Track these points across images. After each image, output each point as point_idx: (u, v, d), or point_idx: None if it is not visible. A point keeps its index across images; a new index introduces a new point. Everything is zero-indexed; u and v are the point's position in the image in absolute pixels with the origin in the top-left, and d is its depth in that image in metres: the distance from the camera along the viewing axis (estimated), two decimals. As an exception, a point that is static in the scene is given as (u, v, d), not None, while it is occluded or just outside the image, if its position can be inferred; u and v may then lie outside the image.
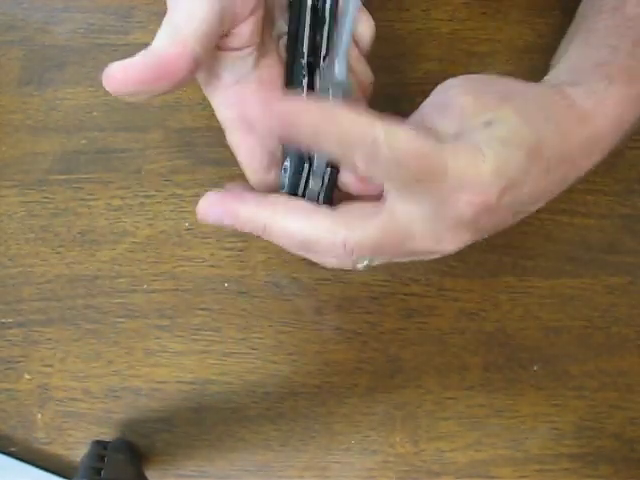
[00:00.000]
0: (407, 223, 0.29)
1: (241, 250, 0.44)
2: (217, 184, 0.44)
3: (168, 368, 0.43)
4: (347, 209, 0.30)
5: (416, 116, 0.31)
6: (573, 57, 0.35)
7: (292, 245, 0.31)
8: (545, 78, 0.34)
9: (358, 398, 0.42)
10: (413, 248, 0.30)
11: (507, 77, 0.32)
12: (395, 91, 0.44)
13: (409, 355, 0.43)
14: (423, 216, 0.29)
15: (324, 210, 0.30)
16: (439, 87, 0.32)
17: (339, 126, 0.25)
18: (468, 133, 0.28)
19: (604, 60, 0.33)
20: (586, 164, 0.31)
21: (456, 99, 0.30)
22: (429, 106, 0.31)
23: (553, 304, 0.43)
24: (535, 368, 0.42)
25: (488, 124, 0.28)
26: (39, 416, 0.43)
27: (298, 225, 0.30)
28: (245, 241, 0.44)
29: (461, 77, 0.31)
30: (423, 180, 0.27)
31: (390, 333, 0.43)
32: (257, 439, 0.42)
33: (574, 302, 0.43)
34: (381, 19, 0.45)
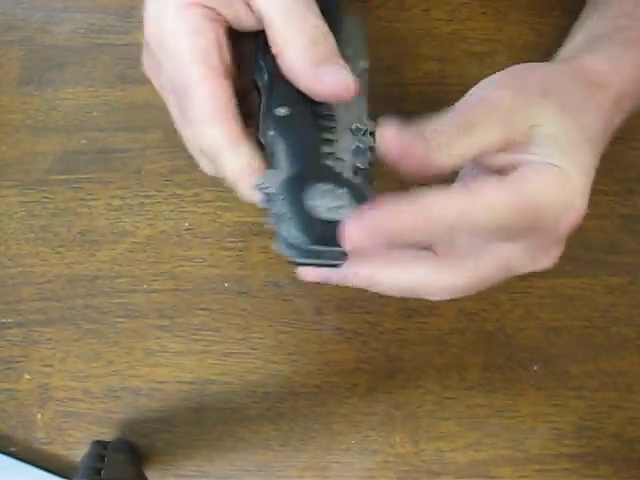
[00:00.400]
0: (507, 260, 0.30)
1: (241, 250, 0.44)
2: (217, 184, 0.44)
3: (168, 368, 0.43)
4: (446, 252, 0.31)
5: (457, 117, 0.30)
6: (590, 27, 0.36)
7: (398, 294, 0.32)
8: (562, 50, 0.35)
9: (358, 398, 0.42)
10: (511, 274, 0.32)
11: (536, 63, 0.32)
12: (395, 91, 0.44)
13: (409, 355, 0.43)
14: (522, 249, 0.30)
15: (424, 257, 0.31)
16: (475, 88, 0.32)
17: (439, 218, 0.26)
18: (523, 143, 0.29)
19: (620, 26, 0.34)
20: (611, 131, 0.32)
21: (495, 95, 0.30)
22: (470, 107, 0.30)
23: (553, 304, 0.43)
24: (535, 368, 0.42)
25: (536, 127, 0.29)
26: (39, 416, 0.43)
27: (404, 278, 0.31)
28: (245, 241, 0.44)
29: (497, 74, 0.32)
30: (524, 232, 0.28)
31: (390, 333, 0.43)
32: (257, 439, 0.42)
33: (574, 302, 0.43)
34: (381, 19, 0.46)
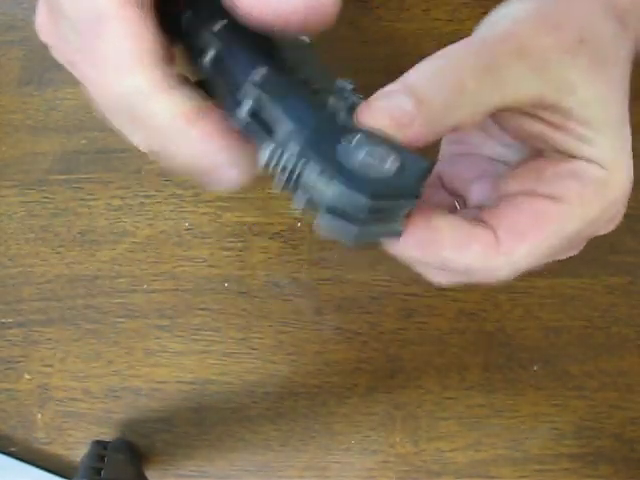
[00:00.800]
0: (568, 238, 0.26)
1: (241, 250, 0.44)
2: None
3: (168, 368, 0.43)
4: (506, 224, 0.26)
5: (478, 55, 0.24)
6: None
7: (448, 278, 0.27)
8: None
9: (358, 398, 0.42)
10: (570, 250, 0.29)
11: None
12: (395, 91, 0.44)
13: (409, 355, 0.43)
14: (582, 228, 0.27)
15: (476, 234, 0.25)
16: (494, 16, 0.26)
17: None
18: (558, 118, 0.25)
19: None
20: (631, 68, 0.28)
21: (524, 33, 0.24)
22: (493, 43, 0.24)
23: (553, 304, 0.43)
24: (535, 368, 0.42)
25: (571, 91, 0.24)
26: (39, 416, 0.43)
27: (459, 257, 0.25)
28: (245, 241, 0.44)
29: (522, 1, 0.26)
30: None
31: (390, 333, 0.43)
32: (257, 439, 0.42)
33: (574, 302, 0.43)
34: (381, 19, 0.46)
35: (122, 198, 0.45)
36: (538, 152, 0.27)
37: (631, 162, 0.26)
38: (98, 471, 0.38)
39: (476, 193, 0.29)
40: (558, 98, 0.24)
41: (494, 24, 0.25)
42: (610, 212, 0.26)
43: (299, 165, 0.22)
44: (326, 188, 0.21)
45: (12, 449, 0.43)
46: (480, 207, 0.28)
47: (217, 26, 0.24)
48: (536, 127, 0.25)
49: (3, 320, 0.44)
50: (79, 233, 0.45)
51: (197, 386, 0.43)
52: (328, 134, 0.22)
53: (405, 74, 0.23)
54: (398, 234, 0.24)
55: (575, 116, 0.25)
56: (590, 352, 0.42)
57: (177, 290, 0.44)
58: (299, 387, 0.42)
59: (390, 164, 0.22)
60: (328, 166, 0.21)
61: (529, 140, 0.27)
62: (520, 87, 0.24)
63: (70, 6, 0.23)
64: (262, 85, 0.23)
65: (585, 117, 0.25)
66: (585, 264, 0.43)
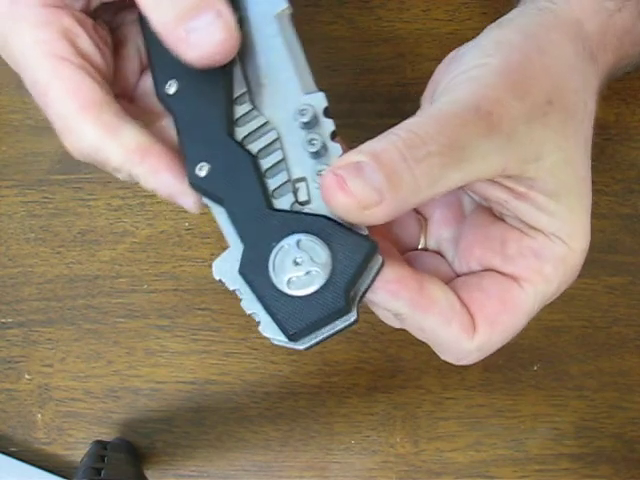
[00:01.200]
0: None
1: (241, 250, 0.44)
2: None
3: (168, 368, 0.43)
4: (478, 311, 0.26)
5: (443, 134, 0.23)
6: None
7: (417, 336, 0.28)
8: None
9: (358, 398, 0.42)
10: None
11: (533, 45, 0.26)
12: (395, 91, 0.44)
13: (409, 355, 0.43)
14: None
15: (458, 318, 0.25)
16: (457, 76, 0.25)
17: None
18: (522, 180, 0.25)
19: None
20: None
21: (491, 101, 0.23)
22: (458, 117, 0.23)
23: (553, 304, 0.42)
24: (535, 368, 0.42)
25: (539, 157, 0.24)
26: (39, 416, 0.43)
27: (432, 327, 0.26)
28: (245, 241, 0.44)
29: (484, 54, 0.25)
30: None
31: (390, 333, 0.43)
32: (257, 439, 0.42)
33: (574, 302, 0.43)
34: (381, 19, 0.46)
35: (122, 198, 0.45)
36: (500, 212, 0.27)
37: (589, 224, 0.26)
38: (98, 471, 0.38)
39: (437, 218, 0.29)
40: (523, 169, 0.24)
41: (458, 87, 0.25)
42: (567, 282, 0.27)
43: (239, 288, 0.23)
44: (256, 317, 0.23)
45: (12, 449, 0.43)
46: (440, 252, 0.29)
47: (172, 89, 0.25)
48: (499, 194, 0.25)
49: (3, 320, 0.44)
50: (79, 233, 0.45)
51: (197, 386, 0.43)
52: (262, 247, 0.22)
53: (374, 146, 0.22)
54: (353, 323, 0.24)
55: (538, 186, 0.25)
56: (590, 352, 0.42)
57: (177, 290, 0.44)
58: (299, 387, 0.42)
59: (316, 283, 0.22)
60: (257, 295, 0.22)
61: (492, 205, 0.27)
62: (485, 163, 0.23)
63: (24, 77, 0.25)
64: (206, 179, 0.24)
65: (548, 187, 0.25)
66: (585, 264, 0.43)
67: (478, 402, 0.42)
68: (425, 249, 0.29)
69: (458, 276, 0.28)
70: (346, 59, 0.45)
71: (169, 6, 0.22)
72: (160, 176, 0.25)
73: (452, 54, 0.27)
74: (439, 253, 0.29)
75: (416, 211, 0.29)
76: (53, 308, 0.44)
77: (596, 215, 0.44)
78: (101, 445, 0.41)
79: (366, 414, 0.42)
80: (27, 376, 0.43)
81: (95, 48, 0.26)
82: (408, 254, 0.29)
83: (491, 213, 0.27)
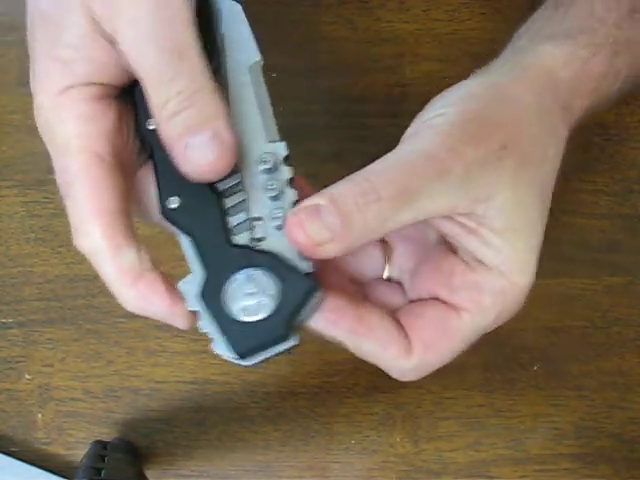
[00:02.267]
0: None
1: (241, 250, 0.44)
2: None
3: (168, 368, 0.43)
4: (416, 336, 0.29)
5: (394, 183, 0.25)
6: (551, 22, 0.32)
7: (362, 358, 0.30)
8: (521, 39, 0.31)
9: (358, 398, 0.42)
10: None
11: (492, 92, 0.28)
12: (395, 91, 0.44)
13: (409, 355, 0.43)
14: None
15: (395, 341, 0.28)
16: (414, 128, 0.28)
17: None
18: (471, 217, 0.27)
19: (586, 28, 0.30)
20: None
21: (442, 150, 0.26)
22: (410, 164, 0.25)
23: (553, 304, 0.43)
24: (535, 368, 0.42)
25: (489, 198, 0.26)
26: (39, 416, 0.43)
27: (370, 350, 0.29)
28: (245, 241, 0.44)
29: (440, 107, 0.28)
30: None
31: (390, 333, 0.43)
32: (257, 439, 0.42)
33: (574, 302, 0.43)
34: (381, 19, 0.46)
35: (122, 198, 0.45)
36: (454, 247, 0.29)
37: (535, 262, 0.28)
38: (98, 471, 0.38)
39: (400, 251, 0.31)
40: (474, 207, 0.26)
41: (418, 134, 0.27)
42: (506, 315, 0.29)
43: (199, 310, 0.26)
44: (210, 335, 0.26)
45: (12, 449, 0.43)
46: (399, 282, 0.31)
47: (151, 125, 0.27)
48: (452, 228, 0.27)
49: (3, 320, 0.44)
50: (79, 233, 0.45)
51: (197, 386, 0.43)
52: (221, 276, 0.26)
53: (333, 191, 0.25)
54: (293, 347, 0.26)
55: (486, 223, 0.27)
56: (590, 352, 0.42)
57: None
58: (299, 387, 0.42)
59: (264, 312, 0.25)
60: (213, 317, 0.26)
61: (448, 238, 0.28)
62: (433, 204, 0.25)
63: (56, 161, 0.28)
64: (176, 211, 0.27)
65: (495, 224, 0.27)
66: (585, 264, 0.43)
67: (478, 402, 0.42)
68: (389, 278, 0.31)
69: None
70: (346, 59, 0.45)
71: (179, 122, 0.24)
72: (148, 302, 0.28)
73: (436, 98, 0.29)
74: (400, 282, 0.31)
75: (384, 242, 0.31)
76: (53, 308, 0.44)
77: (596, 215, 0.44)
78: (101, 445, 0.41)
79: (366, 414, 0.42)
80: (27, 376, 0.43)
81: (126, 139, 0.27)
82: (369, 283, 0.31)
83: (449, 247, 0.29)
